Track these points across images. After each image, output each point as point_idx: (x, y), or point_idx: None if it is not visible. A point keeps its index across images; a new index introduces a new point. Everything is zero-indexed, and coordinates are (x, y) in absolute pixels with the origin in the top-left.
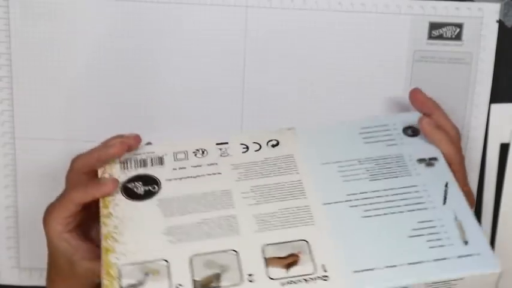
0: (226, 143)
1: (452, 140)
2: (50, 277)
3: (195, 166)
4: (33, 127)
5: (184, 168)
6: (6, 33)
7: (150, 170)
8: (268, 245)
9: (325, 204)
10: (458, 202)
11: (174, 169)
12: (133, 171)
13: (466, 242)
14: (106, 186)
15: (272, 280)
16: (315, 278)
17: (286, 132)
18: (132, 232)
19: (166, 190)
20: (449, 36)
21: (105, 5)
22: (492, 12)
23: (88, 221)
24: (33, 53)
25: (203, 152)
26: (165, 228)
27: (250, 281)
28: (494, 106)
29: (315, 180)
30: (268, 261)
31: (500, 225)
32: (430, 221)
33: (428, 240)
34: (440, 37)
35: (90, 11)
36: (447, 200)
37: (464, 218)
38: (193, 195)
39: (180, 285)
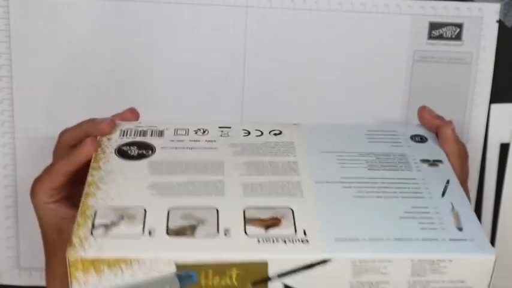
0: (229, 127)
1: (461, 156)
2: (46, 255)
3: (194, 141)
4: (33, 127)
5: (182, 141)
6: (6, 33)
7: (148, 140)
8: (249, 208)
9: (317, 182)
10: (458, 197)
11: (172, 141)
12: (130, 139)
13: (460, 229)
14: (85, 146)
15: (248, 236)
16: (295, 240)
17: (291, 126)
18: (116, 183)
19: (159, 155)
20: (449, 36)
21: (105, 5)
22: (492, 12)
23: (78, 196)
24: (33, 53)
25: (204, 131)
26: (150, 184)
27: (226, 235)
28: (494, 106)
29: (311, 163)
30: (248, 221)
31: (500, 225)
32: (424, 207)
33: (420, 223)
34: (440, 37)
35: (90, 11)
36: (446, 194)
37: (462, 210)
38: (185, 161)
39: (154, 229)
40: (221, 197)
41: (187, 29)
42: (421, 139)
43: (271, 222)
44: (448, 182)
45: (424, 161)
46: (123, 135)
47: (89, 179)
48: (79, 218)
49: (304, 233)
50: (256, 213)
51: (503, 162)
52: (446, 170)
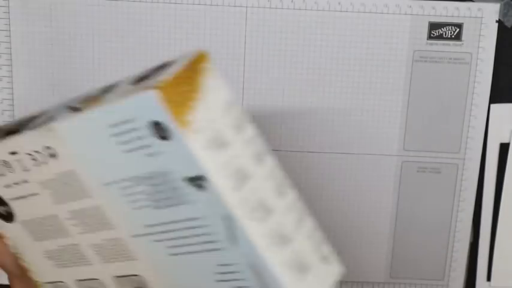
0: (16, 152)
1: None
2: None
3: (17, 183)
4: None
5: (10, 186)
6: (6, 33)
7: None
8: (117, 277)
9: (133, 236)
10: (247, 243)
11: (5, 186)
12: None
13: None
14: None
15: None
16: None
17: (49, 134)
18: (27, 255)
19: (18, 212)
20: (449, 36)
21: (105, 4)
22: (492, 12)
23: None
24: (33, 53)
25: (8, 165)
26: (43, 252)
27: None
28: (494, 106)
29: (109, 207)
30: None
31: (500, 225)
32: (227, 264)
33: (232, 287)
34: (440, 37)
35: (90, 11)
36: (235, 239)
37: (258, 264)
38: (38, 220)
39: None
40: (92, 265)
41: (188, 29)
42: (163, 131)
43: None
44: (227, 218)
45: (188, 179)
46: None
47: (12, 249)
48: None
49: None
50: (124, 283)
51: (503, 162)
52: (216, 194)
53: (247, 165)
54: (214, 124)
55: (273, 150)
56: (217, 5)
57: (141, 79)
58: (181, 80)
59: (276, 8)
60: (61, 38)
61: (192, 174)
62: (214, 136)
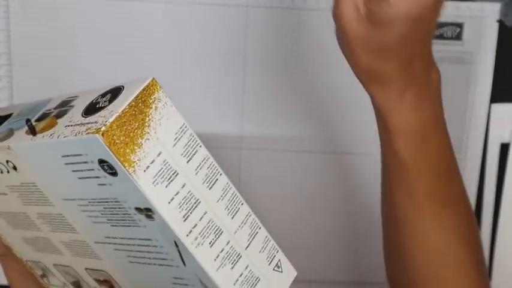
0: None
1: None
2: None
3: None
4: None
5: None
6: (6, 33)
7: None
8: (87, 268)
9: (95, 242)
10: (196, 265)
11: None
12: None
13: None
14: None
15: None
16: None
17: (8, 151)
18: (9, 238)
19: None
20: (450, 36)
21: (105, 5)
22: (492, 12)
23: None
24: (33, 53)
25: None
26: (22, 239)
27: None
28: (494, 106)
29: (71, 217)
30: (97, 282)
31: (500, 225)
32: (181, 278)
33: None
34: (440, 37)
35: (90, 11)
36: (185, 261)
37: (208, 282)
38: (10, 213)
39: (64, 283)
40: (63, 255)
41: (187, 29)
42: (110, 168)
43: (109, 285)
44: (176, 244)
45: (138, 210)
46: None
47: None
48: (31, 270)
49: None
50: (94, 274)
51: (503, 162)
52: (163, 224)
53: (196, 192)
54: (163, 157)
55: (274, 150)
56: (217, 5)
57: (91, 109)
58: (126, 118)
59: (276, 7)
60: (61, 38)
61: (141, 206)
62: (162, 169)
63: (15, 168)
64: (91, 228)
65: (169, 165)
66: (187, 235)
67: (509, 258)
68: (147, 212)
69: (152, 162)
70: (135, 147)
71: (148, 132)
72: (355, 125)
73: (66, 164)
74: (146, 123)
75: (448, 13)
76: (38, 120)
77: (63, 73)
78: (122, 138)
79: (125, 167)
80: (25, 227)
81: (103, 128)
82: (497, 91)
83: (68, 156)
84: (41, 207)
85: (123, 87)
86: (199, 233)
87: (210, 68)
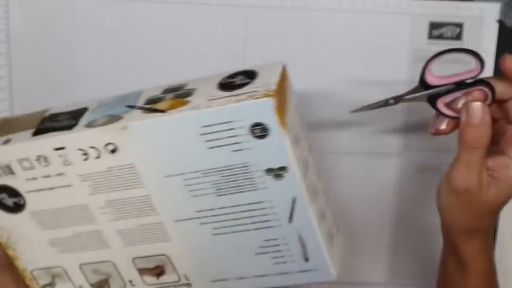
0: (63, 148)
1: None
2: None
3: (45, 177)
4: None
5: (36, 179)
6: (6, 33)
7: (5, 180)
8: (136, 258)
9: (176, 221)
10: (304, 220)
11: (28, 179)
12: None
13: (306, 259)
14: None
15: (149, 285)
16: (181, 285)
17: (120, 132)
18: (23, 243)
19: (31, 203)
20: (450, 36)
21: (105, 5)
22: (492, 12)
23: None
24: (32, 53)
25: (45, 160)
26: (49, 240)
27: (133, 286)
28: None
29: (162, 196)
30: (140, 271)
31: (500, 225)
32: (275, 239)
33: (273, 257)
34: (440, 37)
35: (90, 11)
36: (293, 218)
37: (307, 237)
38: (57, 209)
39: (81, 285)
40: (109, 249)
41: (187, 29)
42: (262, 131)
43: (159, 271)
44: (294, 201)
45: (268, 171)
46: None
47: (1, 240)
48: (27, 281)
49: (186, 278)
50: (143, 263)
51: None
52: (292, 181)
53: (307, 156)
54: (293, 124)
55: None
56: (217, 5)
57: (229, 86)
58: (280, 89)
59: (276, 7)
60: (61, 38)
61: (276, 165)
62: (294, 134)
63: (113, 151)
64: (181, 205)
65: (296, 131)
66: (306, 191)
67: (509, 257)
68: (279, 172)
69: (291, 127)
70: (285, 114)
71: (288, 104)
72: (355, 125)
73: (202, 134)
74: (287, 98)
75: (448, 13)
76: (148, 103)
77: (63, 73)
78: (279, 105)
79: (281, 128)
80: (69, 224)
81: (272, 93)
82: None
83: (208, 126)
84: (118, 193)
85: (253, 70)
86: (312, 189)
87: (210, 68)
